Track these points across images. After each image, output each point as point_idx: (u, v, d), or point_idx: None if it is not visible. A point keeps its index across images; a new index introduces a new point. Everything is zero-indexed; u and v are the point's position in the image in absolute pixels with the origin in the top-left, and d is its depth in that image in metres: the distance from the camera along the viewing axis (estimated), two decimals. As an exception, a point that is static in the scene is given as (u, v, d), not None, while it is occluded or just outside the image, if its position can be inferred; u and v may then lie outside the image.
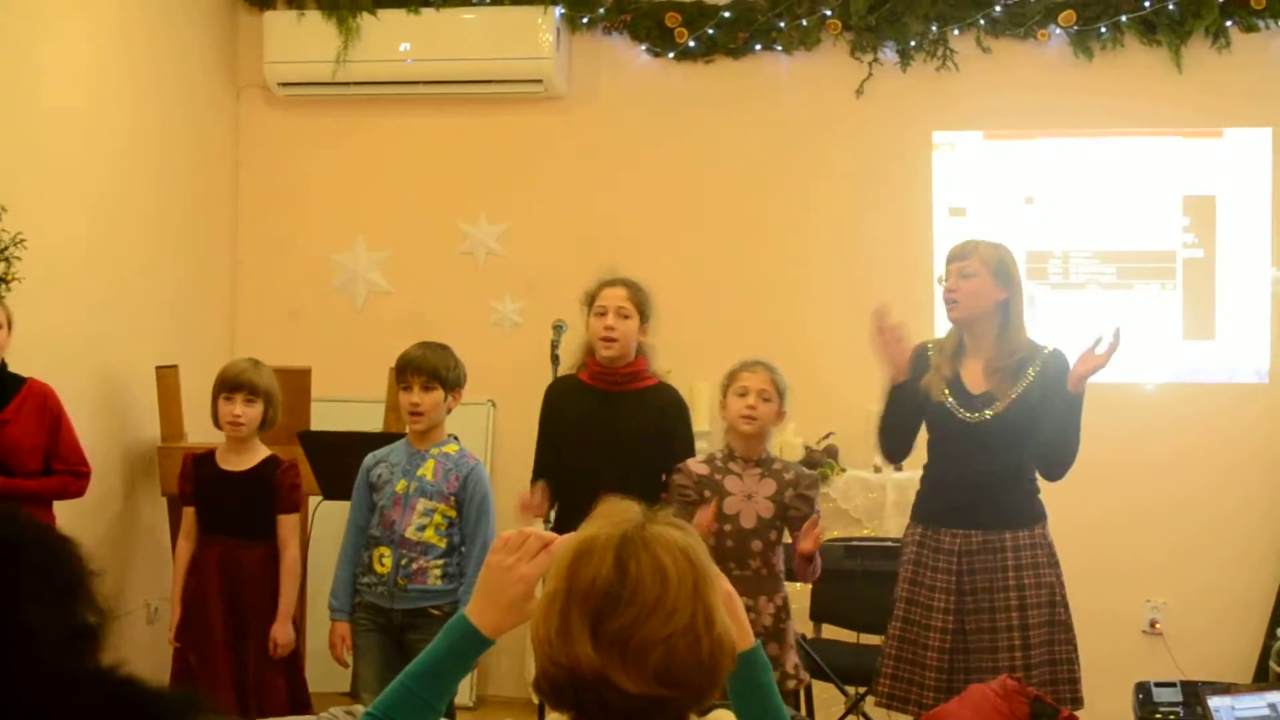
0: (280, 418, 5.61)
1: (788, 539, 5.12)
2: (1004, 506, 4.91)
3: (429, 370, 5.18)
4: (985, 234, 6.87)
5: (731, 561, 4.97)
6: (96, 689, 2.05)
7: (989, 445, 4.90)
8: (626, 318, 5.27)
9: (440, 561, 5.14)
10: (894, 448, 5.23)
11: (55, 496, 5.40)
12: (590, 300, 5.34)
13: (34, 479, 5.34)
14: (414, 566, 5.12)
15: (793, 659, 5.06)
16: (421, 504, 5.13)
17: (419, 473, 5.18)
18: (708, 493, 5.03)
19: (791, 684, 5.07)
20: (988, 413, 4.92)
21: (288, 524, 5.53)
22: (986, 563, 4.90)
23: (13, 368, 5.56)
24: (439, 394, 5.19)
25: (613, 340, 5.26)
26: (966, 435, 4.91)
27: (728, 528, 5.00)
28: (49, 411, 5.45)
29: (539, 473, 5.44)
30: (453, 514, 5.16)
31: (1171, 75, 7.25)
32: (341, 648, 5.22)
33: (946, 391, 4.97)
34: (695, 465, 5.13)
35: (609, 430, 5.24)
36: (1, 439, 5.27)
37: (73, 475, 5.43)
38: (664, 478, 5.23)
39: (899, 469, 6.57)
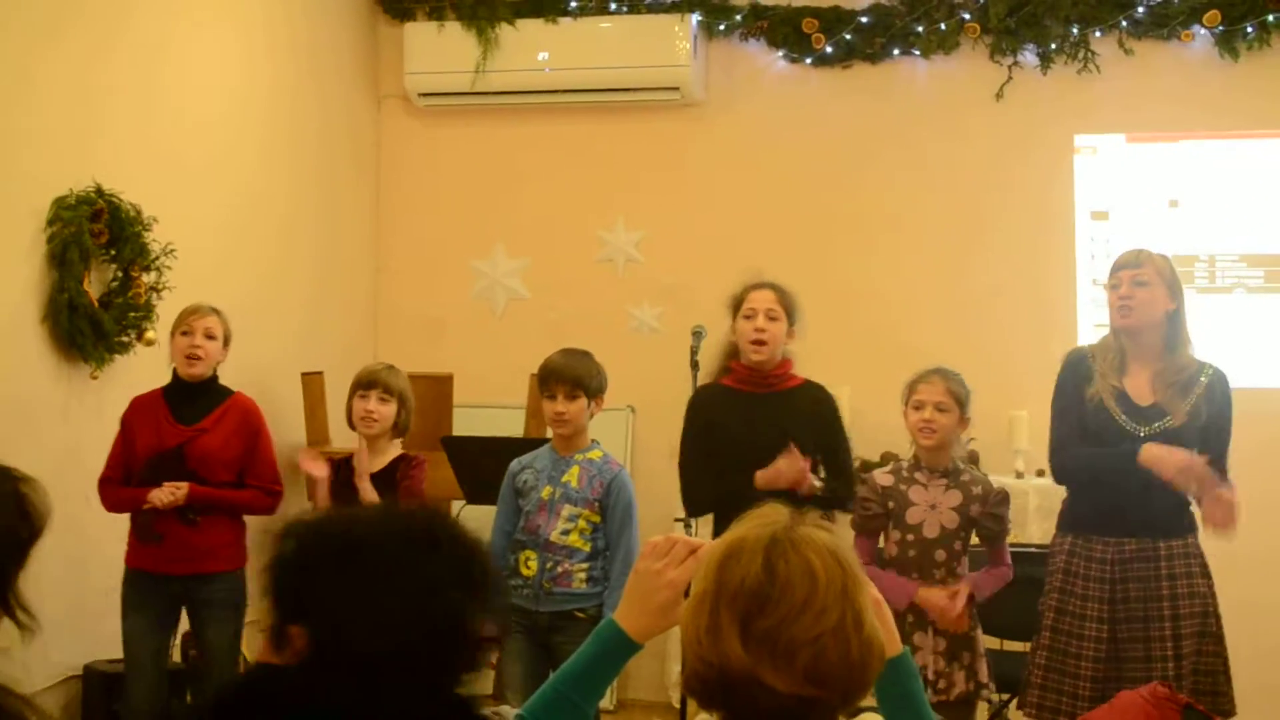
0: (413, 423, 5.66)
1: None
2: (1159, 516, 4.83)
3: (572, 379, 5.21)
4: (1130, 238, 6.83)
5: (915, 571, 4.94)
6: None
7: None
8: (775, 319, 5.25)
9: (585, 565, 5.17)
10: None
11: (245, 509, 5.50)
12: (737, 304, 5.32)
13: (226, 489, 5.45)
14: (559, 570, 5.15)
15: (985, 669, 5.01)
16: (566, 509, 5.16)
17: (564, 479, 5.22)
18: (891, 504, 5.01)
19: (986, 694, 5.04)
20: (1159, 426, 4.84)
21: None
22: (1140, 572, 4.83)
23: (163, 374, 5.69)
24: (583, 402, 5.22)
25: (763, 343, 5.25)
26: (1134, 447, 4.83)
27: (910, 537, 4.97)
28: (248, 426, 5.56)
29: (696, 475, 5.38)
30: (597, 519, 5.18)
31: (1320, 75, 7.13)
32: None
33: (1114, 402, 4.90)
34: (880, 476, 5.10)
35: (768, 431, 5.19)
36: (196, 447, 5.39)
37: (264, 491, 5.53)
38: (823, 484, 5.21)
39: (1040, 474, 6.50)
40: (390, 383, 5.53)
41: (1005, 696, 5.82)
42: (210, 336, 5.48)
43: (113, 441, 5.47)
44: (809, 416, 5.26)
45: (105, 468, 5.43)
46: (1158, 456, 4.74)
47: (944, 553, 4.97)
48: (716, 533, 5.16)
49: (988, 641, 6.07)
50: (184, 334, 5.46)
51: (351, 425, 5.60)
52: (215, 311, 5.52)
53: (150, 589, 5.36)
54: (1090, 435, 4.94)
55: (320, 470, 5.39)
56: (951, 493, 4.99)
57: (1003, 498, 5.05)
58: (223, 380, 5.64)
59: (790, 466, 5.03)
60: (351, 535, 2.17)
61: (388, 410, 5.51)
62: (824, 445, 5.26)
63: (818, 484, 5.12)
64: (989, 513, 5.00)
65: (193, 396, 5.46)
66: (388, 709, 2.03)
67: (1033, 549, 6.03)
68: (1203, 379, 4.90)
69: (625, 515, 5.22)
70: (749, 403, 5.27)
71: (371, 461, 5.54)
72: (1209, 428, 4.87)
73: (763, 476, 5.06)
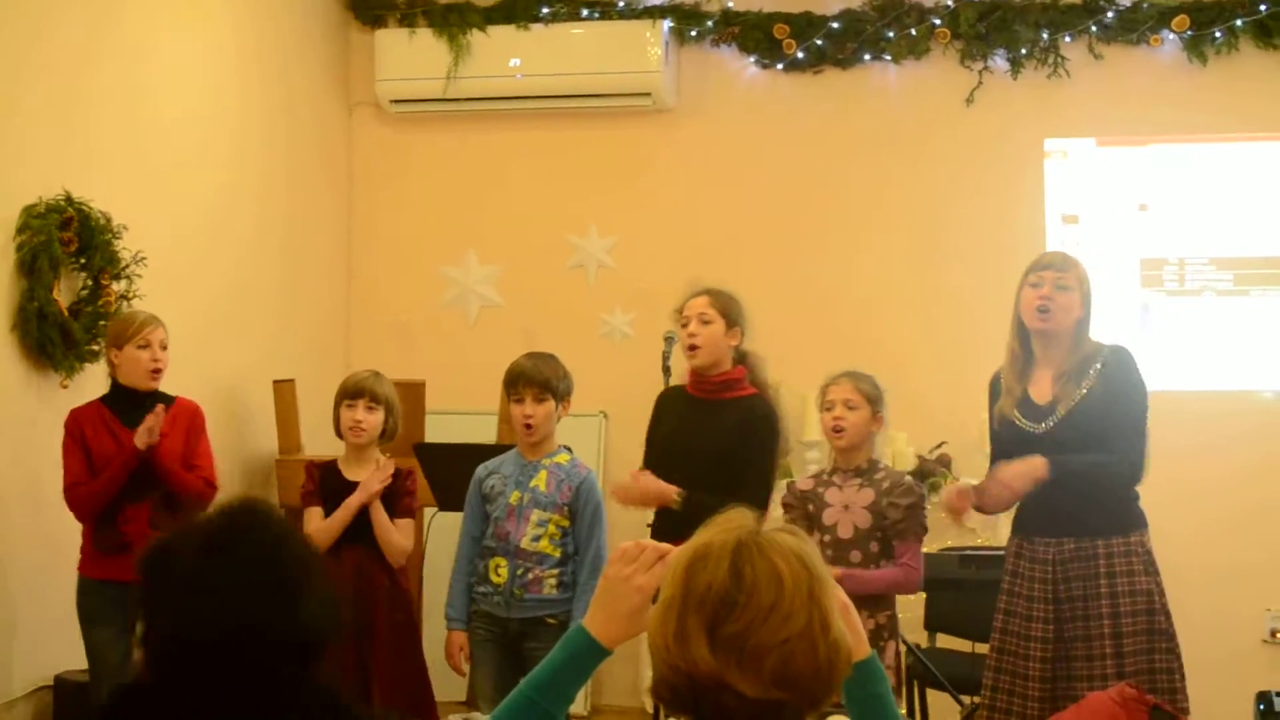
0: (400, 429, 5.66)
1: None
2: (1092, 514, 4.83)
3: (541, 381, 5.21)
4: (1099, 241, 6.86)
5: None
6: (318, 702, 2.11)
7: (1062, 450, 4.83)
8: (708, 323, 5.24)
9: (555, 571, 5.16)
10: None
11: (190, 494, 5.43)
12: (678, 313, 5.36)
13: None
14: (530, 576, 5.14)
15: (891, 679, 5.00)
16: (535, 514, 5.15)
17: (532, 483, 5.21)
18: (811, 507, 5.03)
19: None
20: (1051, 420, 4.86)
21: (404, 528, 5.55)
22: (1080, 570, 4.83)
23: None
24: (550, 405, 5.22)
25: (695, 347, 5.26)
26: (1036, 446, 4.85)
27: (826, 538, 4.99)
28: (194, 428, 5.55)
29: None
30: (566, 523, 5.17)
31: (1288, 79, 7.16)
32: (459, 656, 5.24)
33: (1016, 409, 4.93)
34: (801, 481, 5.17)
35: (691, 440, 5.23)
36: (161, 453, 5.37)
37: (204, 481, 5.52)
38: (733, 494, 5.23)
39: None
40: (377, 391, 5.52)
41: (978, 699, 5.84)
42: (164, 347, 5.46)
43: (64, 454, 5.41)
44: (733, 428, 5.24)
45: (67, 476, 5.38)
46: (1000, 482, 4.83)
47: (859, 553, 4.98)
48: (655, 532, 5.21)
49: (957, 644, 6.09)
50: (141, 347, 5.42)
51: (339, 434, 5.59)
52: (159, 320, 5.50)
53: (115, 598, 5.32)
54: (1002, 445, 5.00)
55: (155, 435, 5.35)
56: (865, 491, 5.02)
57: (907, 488, 5.05)
58: (195, 387, 5.63)
59: (635, 489, 5.18)
60: (163, 546, 2.21)
61: (375, 419, 5.51)
62: (739, 457, 5.21)
63: (674, 495, 5.14)
64: (891, 503, 5.00)
65: (139, 404, 5.41)
66: (216, 710, 2.05)
67: (1003, 552, 6.06)
68: (1096, 362, 4.90)
69: (594, 518, 5.22)
70: (691, 407, 5.30)
71: (362, 471, 5.52)
72: (1108, 405, 4.85)
73: (614, 489, 5.26)
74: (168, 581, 2.15)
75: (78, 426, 5.41)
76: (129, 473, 5.33)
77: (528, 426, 5.21)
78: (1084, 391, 4.86)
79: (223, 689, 2.06)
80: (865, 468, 5.07)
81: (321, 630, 2.14)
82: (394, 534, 5.44)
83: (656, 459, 5.31)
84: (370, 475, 5.45)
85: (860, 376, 5.10)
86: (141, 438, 5.28)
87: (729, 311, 5.28)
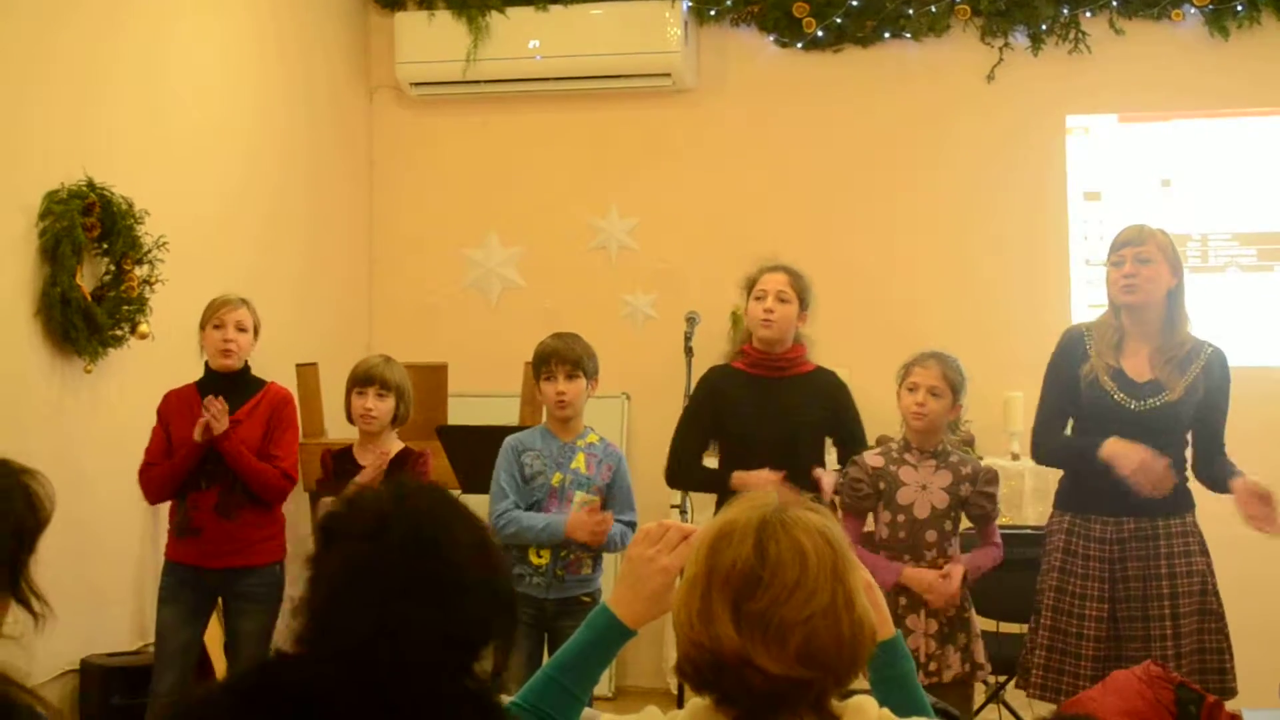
0: (412, 413, 5.66)
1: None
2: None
3: (573, 360, 5.24)
4: (1122, 218, 6.82)
5: (906, 552, 4.95)
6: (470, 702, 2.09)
7: (1153, 432, 4.80)
8: (785, 302, 5.25)
9: (591, 551, 5.23)
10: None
11: (262, 481, 5.38)
12: (750, 285, 5.34)
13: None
14: (571, 557, 5.20)
15: (981, 650, 5.02)
16: (578, 496, 5.19)
17: (572, 465, 5.25)
18: (882, 485, 5.01)
19: (982, 675, 5.05)
20: (1155, 401, 4.84)
21: None
22: (1139, 550, 4.82)
23: (156, 367, 5.69)
24: (582, 382, 5.26)
25: (770, 322, 5.25)
26: (1131, 423, 4.82)
27: (901, 518, 4.97)
28: (281, 416, 5.56)
29: (690, 456, 5.40)
30: (600, 503, 5.22)
31: (1311, 52, 7.13)
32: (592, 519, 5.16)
33: (1110, 379, 4.90)
34: (870, 457, 5.09)
35: (778, 415, 5.21)
36: (233, 438, 5.38)
37: (281, 473, 5.51)
38: (839, 460, 5.24)
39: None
40: (387, 377, 5.52)
41: (1002, 679, 5.83)
42: (242, 329, 5.49)
43: (151, 432, 5.48)
44: (822, 400, 5.28)
45: (146, 457, 5.44)
46: (1117, 452, 4.75)
47: (935, 533, 4.97)
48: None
49: (983, 624, 6.08)
50: (216, 327, 5.46)
51: (351, 421, 5.60)
52: (245, 302, 5.53)
53: (187, 582, 5.37)
54: (1085, 412, 4.94)
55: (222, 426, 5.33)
56: (941, 473, 5.00)
57: (992, 477, 5.06)
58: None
59: (763, 482, 5.04)
60: (326, 526, 2.18)
61: (386, 406, 5.51)
62: (839, 433, 5.32)
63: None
64: (980, 491, 5.01)
65: (226, 388, 5.46)
66: (372, 700, 2.02)
67: (1028, 530, 6.04)
68: (1202, 356, 4.89)
69: (628, 497, 5.33)
70: (760, 386, 5.27)
71: (376, 455, 5.53)
72: (1205, 404, 4.86)
73: (738, 478, 5.11)
74: (328, 564, 2.13)
75: (166, 407, 5.49)
76: (194, 460, 5.35)
77: (561, 403, 5.23)
78: (1188, 382, 4.85)
79: (368, 685, 2.04)
80: (941, 450, 5.05)
81: (477, 630, 2.11)
82: None
83: (738, 438, 5.28)
84: (366, 468, 5.45)
85: (947, 361, 5.05)
86: (198, 431, 5.30)
87: (804, 294, 5.31)
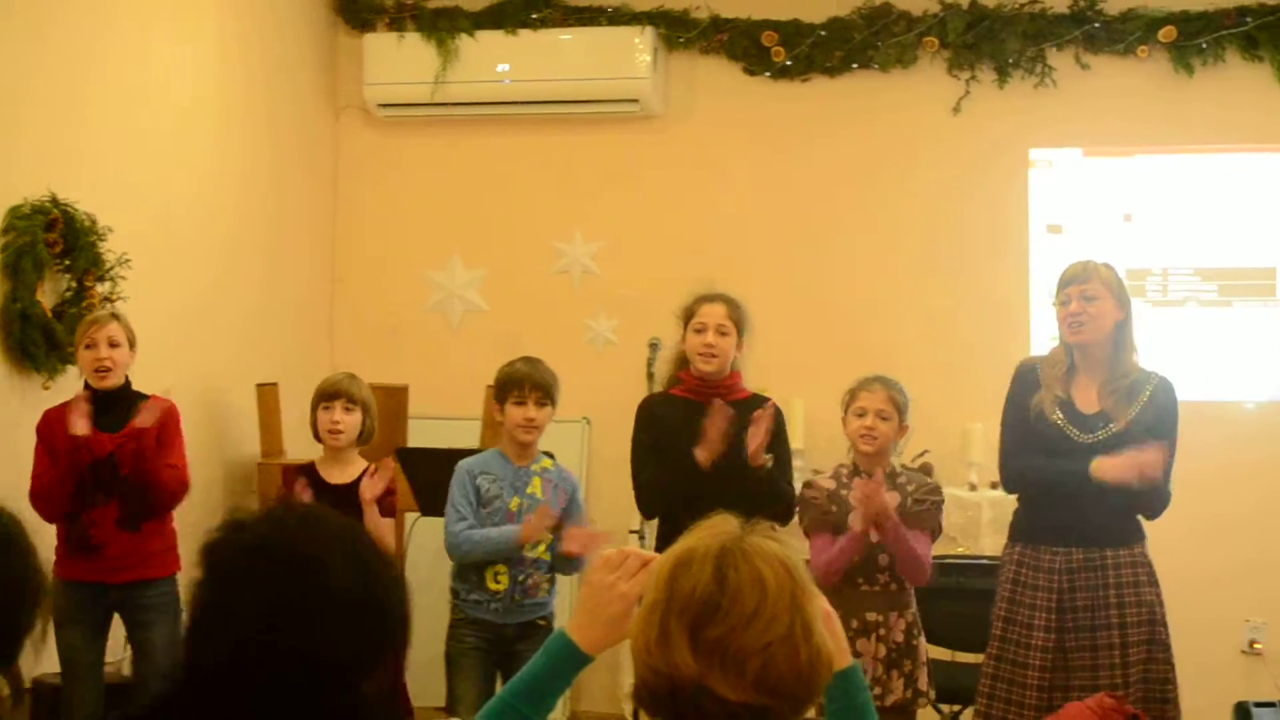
0: (377, 431, 5.65)
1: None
2: (1106, 525, 4.87)
3: (544, 386, 5.26)
4: (1084, 251, 6.86)
5: (859, 576, 4.95)
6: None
7: None
8: (725, 335, 5.24)
9: (548, 576, 5.25)
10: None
11: (164, 484, 5.38)
12: (688, 316, 5.32)
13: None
14: (529, 582, 5.21)
15: (924, 676, 5.02)
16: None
17: (529, 490, 5.25)
18: (834, 507, 5.02)
19: (923, 702, 5.04)
20: (1102, 433, 4.88)
21: (383, 529, 5.51)
22: (1088, 580, 4.86)
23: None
24: (550, 409, 5.28)
25: (712, 356, 5.25)
26: (1081, 455, 4.86)
27: (892, 550, 4.98)
28: (167, 425, 5.50)
29: (648, 474, 5.33)
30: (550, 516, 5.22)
31: (1273, 90, 7.18)
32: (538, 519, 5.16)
33: (1059, 412, 4.93)
34: (823, 480, 5.12)
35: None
36: (127, 454, 5.34)
37: (177, 480, 5.47)
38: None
39: (994, 486, 6.53)
40: (354, 393, 5.51)
41: (957, 708, 5.84)
42: (114, 344, 5.35)
43: (34, 457, 5.37)
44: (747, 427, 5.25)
45: (34, 479, 5.34)
46: (1108, 465, 4.77)
47: (886, 556, 4.97)
48: (661, 547, 5.19)
49: (938, 653, 6.09)
50: (87, 347, 5.35)
51: (317, 437, 5.58)
52: (115, 317, 5.42)
53: (86, 600, 5.30)
54: (1036, 445, 4.97)
55: (83, 428, 5.24)
56: (890, 495, 5.01)
57: (932, 487, 5.09)
58: (176, 389, 5.60)
59: (717, 421, 5.05)
60: (203, 549, 2.15)
61: (353, 420, 5.50)
62: (775, 450, 5.23)
63: (766, 458, 5.10)
64: (916, 498, 5.01)
65: (110, 405, 5.36)
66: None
67: (984, 560, 6.07)
68: (1148, 387, 4.94)
69: (582, 523, 5.33)
70: (697, 412, 5.25)
71: (341, 474, 5.51)
72: (1151, 433, 4.88)
73: (701, 450, 5.06)
74: (200, 587, 2.11)
75: (48, 428, 5.37)
76: (79, 465, 5.29)
77: (528, 429, 5.24)
78: (1136, 411, 4.88)
79: (236, 710, 2.02)
80: (889, 473, 5.06)
81: (352, 650, 2.09)
82: (388, 538, 5.43)
83: (672, 463, 5.21)
84: (372, 480, 5.42)
85: (892, 384, 5.09)
86: (75, 425, 5.22)
87: (742, 324, 5.30)
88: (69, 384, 5.76)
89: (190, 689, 2.07)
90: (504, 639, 5.20)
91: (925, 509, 5.02)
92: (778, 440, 5.26)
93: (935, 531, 5.08)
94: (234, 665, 2.02)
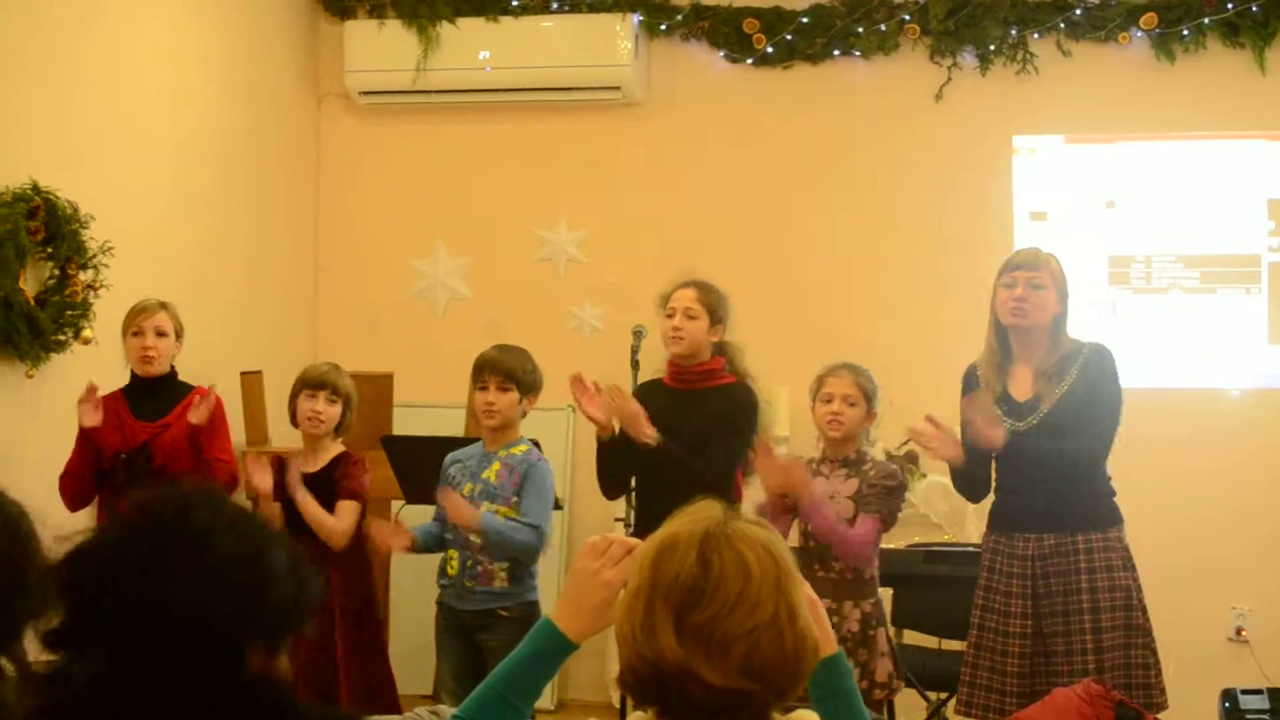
0: (355, 424, 5.65)
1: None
2: (1073, 509, 4.87)
3: (505, 370, 5.24)
4: (1067, 238, 6.88)
5: (816, 563, 4.96)
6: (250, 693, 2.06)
7: (1041, 449, 4.87)
8: (693, 318, 5.26)
9: (505, 564, 5.18)
10: (973, 493, 5.23)
11: (219, 479, 5.37)
12: (664, 301, 5.37)
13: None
14: (479, 569, 5.18)
15: (885, 668, 4.99)
16: (484, 507, 5.16)
17: (484, 475, 5.24)
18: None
19: (879, 694, 4.99)
20: (1033, 418, 4.90)
21: (343, 509, 5.46)
22: (1060, 566, 4.87)
23: (99, 373, 5.64)
24: (514, 395, 5.25)
25: (677, 339, 5.27)
26: (1013, 442, 4.88)
27: (809, 526, 5.00)
28: (215, 417, 5.52)
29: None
30: (515, 515, 5.18)
31: (1255, 77, 7.19)
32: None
33: (996, 406, 4.95)
34: None
35: (678, 429, 5.18)
36: (162, 443, 5.35)
37: (231, 475, 5.49)
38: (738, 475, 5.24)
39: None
40: (339, 384, 5.52)
41: (944, 695, 5.86)
42: (161, 334, 5.47)
43: (74, 442, 5.42)
44: (720, 416, 5.25)
45: (66, 465, 5.39)
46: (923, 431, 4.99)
47: None
48: (639, 525, 5.21)
49: (924, 640, 6.09)
50: (135, 335, 5.45)
51: (295, 424, 5.57)
52: (164, 306, 5.51)
53: None
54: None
55: (265, 481, 5.32)
56: (850, 481, 5.03)
57: (889, 473, 5.06)
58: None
59: (616, 401, 5.14)
60: (95, 536, 2.16)
61: (334, 411, 5.50)
62: (714, 435, 5.20)
63: (651, 432, 5.11)
64: (869, 484, 5.01)
65: (153, 393, 5.45)
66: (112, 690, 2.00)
67: (970, 548, 6.08)
68: (1078, 361, 4.94)
69: (534, 504, 5.20)
70: (675, 399, 5.29)
71: (314, 461, 5.52)
72: (1086, 403, 4.90)
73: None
74: (90, 569, 2.09)
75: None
76: (88, 453, 5.31)
77: (489, 413, 5.23)
78: (1064, 389, 4.89)
79: (150, 686, 2.01)
80: (854, 459, 5.07)
81: (238, 623, 2.07)
82: (325, 519, 5.36)
83: (632, 446, 5.24)
84: (196, 408, 5.44)
85: (859, 371, 5.11)
86: (84, 417, 5.25)
87: (715, 308, 5.30)
88: (52, 372, 5.76)
89: (71, 674, 2.05)
90: (464, 625, 5.21)
91: (875, 494, 5.00)
92: (727, 425, 5.23)
93: (885, 517, 5.02)
94: (110, 624, 2.01)
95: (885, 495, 5.02)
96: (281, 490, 5.38)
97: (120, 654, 2.01)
